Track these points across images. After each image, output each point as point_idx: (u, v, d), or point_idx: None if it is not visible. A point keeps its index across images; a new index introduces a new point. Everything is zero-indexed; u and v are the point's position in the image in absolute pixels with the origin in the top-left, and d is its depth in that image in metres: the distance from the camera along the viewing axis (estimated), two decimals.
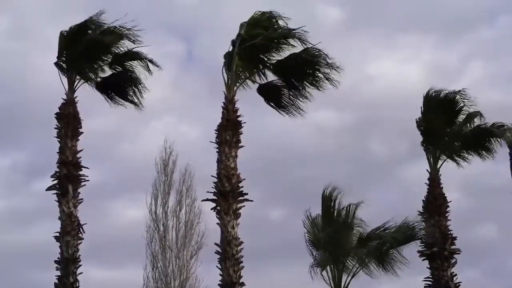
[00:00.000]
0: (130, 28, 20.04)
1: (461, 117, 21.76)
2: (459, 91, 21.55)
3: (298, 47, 19.80)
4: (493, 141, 21.80)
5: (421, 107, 21.70)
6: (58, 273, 19.09)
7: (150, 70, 20.68)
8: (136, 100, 21.26)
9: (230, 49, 19.88)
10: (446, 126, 21.58)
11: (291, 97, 20.62)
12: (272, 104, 20.86)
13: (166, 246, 30.80)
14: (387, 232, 21.12)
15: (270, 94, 20.76)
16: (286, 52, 20.02)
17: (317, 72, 19.96)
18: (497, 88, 41.74)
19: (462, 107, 21.67)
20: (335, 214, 21.32)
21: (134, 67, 20.93)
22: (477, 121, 21.64)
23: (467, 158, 21.98)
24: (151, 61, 20.60)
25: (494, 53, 45.62)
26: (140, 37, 20.09)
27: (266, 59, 20.24)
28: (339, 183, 21.60)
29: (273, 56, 20.18)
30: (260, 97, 20.81)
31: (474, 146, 21.86)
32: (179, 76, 46.10)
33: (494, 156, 21.82)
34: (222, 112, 19.50)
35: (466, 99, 21.57)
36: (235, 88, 19.85)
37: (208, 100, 36.82)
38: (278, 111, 20.84)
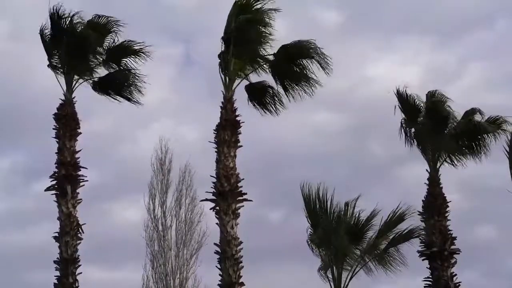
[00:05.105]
0: (113, 18, 20.16)
1: (452, 116, 21.56)
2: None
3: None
4: (487, 138, 21.43)
5: (399, 107, 21.47)
6: (58, 273, 19.08)
7: (144, 56, 20.72)
8: (135, 97, 21.14)
9: (224, 48, 19.75)
10: (436, 126, 21.37)
11: (277, 95, 20.48)
12: (254, 103, 20.73)
13: (165, 246, 30.75)
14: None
15: (255, 94, 20.62)
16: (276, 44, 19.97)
17: (309, 61, 19.86)
18: (496, 90, 41.66)
19: (444, 107, 21.42)
20: (328, 214, 20.87)
21: (129, 62, 20.88)
22: (476, 118, 21.44)
23: (462, 158, 21.78)
24: (141, 50, 20.64)
25: (492, 56, 45.56)
26: (122, 28, 20.30)
27: (258, 52, 20.10)
28: (322, 182, 21.11)
29: (265, 50, 20.10)
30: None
31: (467, 144, 21.66)
32: (177, 78, 46.14)
33: (489, 153, 21.55)
34: (221, 111, 19.46)
35: (445, 98, 21.41)
36: (233, 87, 19.83)
37: (207, 102, 36.82)
38: (261, 110, 20.78)
